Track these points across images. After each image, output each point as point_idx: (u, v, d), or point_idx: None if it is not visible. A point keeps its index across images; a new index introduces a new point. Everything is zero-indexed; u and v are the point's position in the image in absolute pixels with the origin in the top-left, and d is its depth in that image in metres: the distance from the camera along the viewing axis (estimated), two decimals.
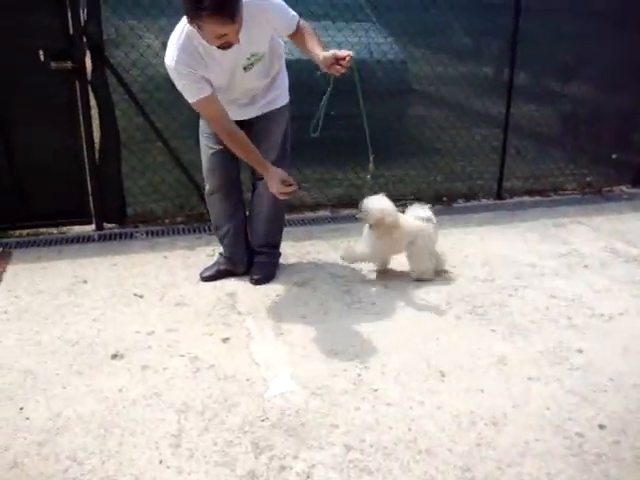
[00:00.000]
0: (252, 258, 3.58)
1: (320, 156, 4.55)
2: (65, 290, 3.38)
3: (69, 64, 3.97)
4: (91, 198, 4.14)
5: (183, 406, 2.45)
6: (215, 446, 2.25)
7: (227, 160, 3.30)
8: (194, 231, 4.17)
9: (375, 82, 4.68)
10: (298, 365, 2.73)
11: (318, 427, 2.35)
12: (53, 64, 3.95)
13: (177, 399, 2.50)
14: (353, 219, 4.32)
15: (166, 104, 4.11)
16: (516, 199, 5.07)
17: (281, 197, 3.08)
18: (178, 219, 4.32)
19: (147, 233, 4.12)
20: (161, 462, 2.18)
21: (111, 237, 4.04)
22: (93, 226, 4.18)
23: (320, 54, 2.94)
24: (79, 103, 4.04)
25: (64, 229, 4.23)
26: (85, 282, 3.47)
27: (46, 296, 3.32)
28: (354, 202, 4.55)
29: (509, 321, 3.13)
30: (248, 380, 2.62)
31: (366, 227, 3.45)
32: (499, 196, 5.03)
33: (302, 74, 4.58)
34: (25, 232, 4.15)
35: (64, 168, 4.10)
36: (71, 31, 3.93)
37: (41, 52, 3.91)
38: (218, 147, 3.28)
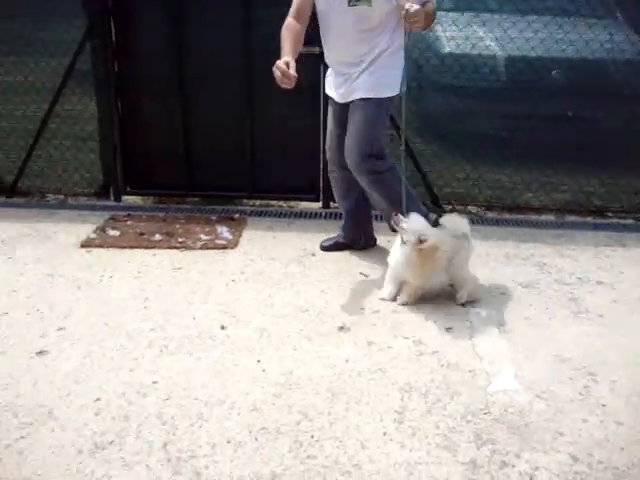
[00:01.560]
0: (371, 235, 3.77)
1: (548, 159, 4.42)
2: (295, 260, 3.61)
3: (317, 49, 4.20)
4: (322, 177, 4.35)
5: (406, 386, 2.51)
6: (437, 429, 2.28)
7: (342, 143, 3.39)
8: None
9: (611, 83, 4.45)
10: (522, 365, 2.67)
11: (542, 431, 2.29)
12: (302, 49, 4.20)
13: (400, 378, 2.56)
14: (579, 226, 4.15)
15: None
16: None
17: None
18: None
19: None
20: (385, 434, 2.25)
21: (336, 216, 4.21)
22: (320, 204, 4.39)
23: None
24: (321, 86, 4.26)
25: (292, 203, 4.49)
26: (313, 255, 3.67)
27: (278, 263, 3.56)
28: (582, 209, 4.38)
29: None
30: (471, 371, 2.61)
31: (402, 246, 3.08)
32: None
33: (523, 72, 4.50)
34: (258, 202, 4.48)
35: (300, 147, 4.36)
36: None
37: None
38: (336, 130, 3.46)
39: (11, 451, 2.17)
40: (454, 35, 4.49)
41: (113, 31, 4.39)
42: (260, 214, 4.31)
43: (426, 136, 4.70)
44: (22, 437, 2.23)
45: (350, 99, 3.37)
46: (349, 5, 3.11)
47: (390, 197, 3.37)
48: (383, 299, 3.18)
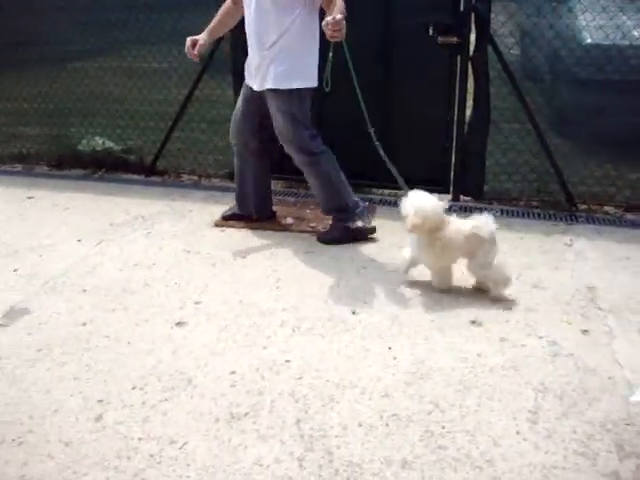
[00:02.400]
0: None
1: None
2: None
3: (454, 39, 4.13)
4: (452, 170, 4.28)
5: (540, 386, 2.43)
6: (574, 434, 2.19)
7: (243, 121, 3.70)
8: (549, 217, 4.07)
9: None
10: None
11: None
12: (440, 38, 4.15)
13: (534, 377, 2.48)
14: None
15: (544, 87, 4.07)
16: None
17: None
18: (533, 203, 4.26)
19: (501, 212, 4.14)
20: (518, 433, 2.19)
21: (465, 209, 4.13)
22: (449, 196, 4.32)
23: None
24: (457, 77, 4.19)
25: None
26: None
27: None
28: None
29: None
30: (610, 378, 2.49)
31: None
32: None
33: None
34: (387, 192, 4.48)
35: (432, 138, 4.30)
36: (461, 7, 4.07)
37: (431, 27, 4.13)
38: (241, 108, 3.70)
39: (156, 411, 2.30)
40: (598, 24, 4.27)
41: None
42: (389, 203, 4.30)
43: (563, 131, 4.51)
44: (165, 400, 2.36)
45: (263, 88, 3.47)
46: None
47: (322, 183, 3.65)
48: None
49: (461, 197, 4.31)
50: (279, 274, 3.30)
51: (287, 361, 2.58)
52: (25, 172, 5.42)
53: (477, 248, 2.98)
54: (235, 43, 4.42)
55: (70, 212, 4.34)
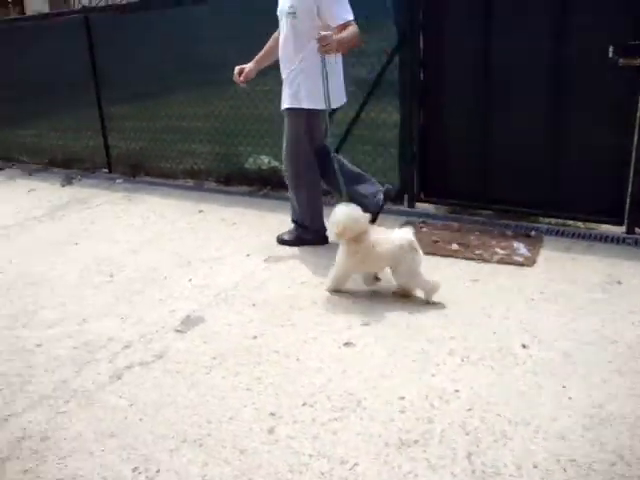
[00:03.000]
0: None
1: None
2: (598, 286, 3.37)
3: (638, 61, 3.90)
4: (628, 200, 4.02)
5: None
6: None
7: None
8: None
9: None
10: None
11: None
12: (621, 60, 3.93)
13: None
14: None
15: None
16: None
17: None
18: None
19: None
20: None
21: (637, 243, 3.88)
22: (623, 228, 4.06)
23: None
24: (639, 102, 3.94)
25: (591, 225, 4.22)
26: (619, 283, 3.39)
27: (579, 287, 3.36)
28: None
29: None
30: None
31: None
32: None
33: None
34: (553, 221, 4.29)
35: (605, 166, 4.07)
36: None
37: (611, 49, 3.93)
38: None
39: (326, 429, 2.34)
40: None
41: (421, 43, 4.54)
42: (557, 233, 4.12)
43: None
44: (335, 419, 2.39)
45: (282, 108, 3.90)
46: (286, 19, 3.69)
47: (297, 201, 4.07)
48: None
49: (636, 229, 4.03)
50: (445, 301, 3.25)
51: (456, 391, 2.52)
52: (196, 187, 5.78)
53: (400, 257, 3.21)
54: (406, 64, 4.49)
55: (237, 227, 4.56)
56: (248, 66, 4.10)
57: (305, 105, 3.74)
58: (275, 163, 5.38)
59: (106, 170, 6.78)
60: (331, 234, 3.38)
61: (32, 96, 7.85)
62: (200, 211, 4.99)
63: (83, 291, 3.72)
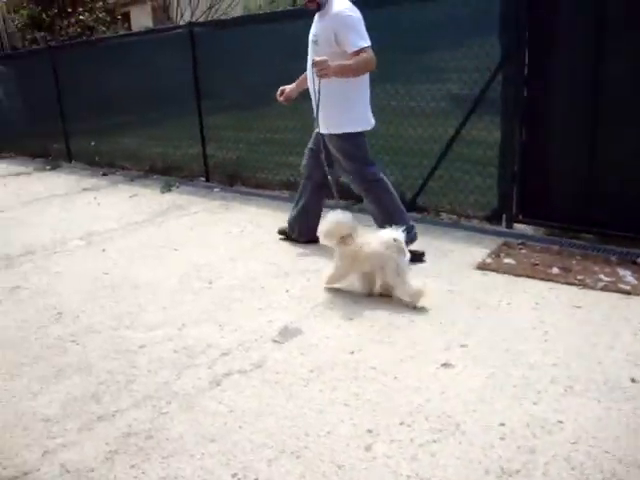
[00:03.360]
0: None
1: None
2: None
3: None
4: None
5: None
6: None
7: (311, 157, 4.46)
8: None
9: None
10: None
11: None
12: None
13: None
14: None
15: None
16: None
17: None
18: None
19: None
20: None
21: None
22: None
23: None
24: None
25: None
26: None
27: None
28: None
29: None
30: None
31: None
32: None
33: None
34: None
35: None
36: None
37: None
38: (310, 144, 4.50)
39: (424, 451, 2.31)
40: None
41: (526, 60, 4.46)
42: None
43: None
44: (433, 441, 2.36)
45: (322, 132, 4.18)
46: (311, 46, 4.11)
47: (379, 206, 4.19)
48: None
49: None
50: (546, 326, 3.16)
51: (560, 422, 2.44)
52: (291, 198, 5.85)
53: (386, 256, 3.42)
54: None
55: None
56: (289, 87, 4.53)
57: (346, 129, 4.09)
58: None
59: (203, 178, 7.00)
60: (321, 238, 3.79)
61: (135, 106, 8.23)
62: None
63: (183, 296, 3.84)
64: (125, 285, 4.13)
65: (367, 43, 3.86)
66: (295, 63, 5.87)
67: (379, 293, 3.63)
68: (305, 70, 4.31)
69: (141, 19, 21.85)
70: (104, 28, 18.55)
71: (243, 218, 5.37)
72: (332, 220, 3.61)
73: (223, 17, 16.33)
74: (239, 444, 2.43)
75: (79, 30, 17.35)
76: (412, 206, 5.07)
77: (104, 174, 8.42)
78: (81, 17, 17.91)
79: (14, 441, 2.59)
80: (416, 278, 3.54)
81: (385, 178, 4.20)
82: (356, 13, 3.95)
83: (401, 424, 2.47)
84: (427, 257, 4.12)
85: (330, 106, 4.00)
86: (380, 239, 3.46)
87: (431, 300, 3.45)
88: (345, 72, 3.85)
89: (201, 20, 15.71)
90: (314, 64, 3.76)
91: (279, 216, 5.30)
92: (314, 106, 4.05)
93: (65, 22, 17.63)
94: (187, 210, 5.89)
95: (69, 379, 3.01)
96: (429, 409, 2.54)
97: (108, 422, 2.64)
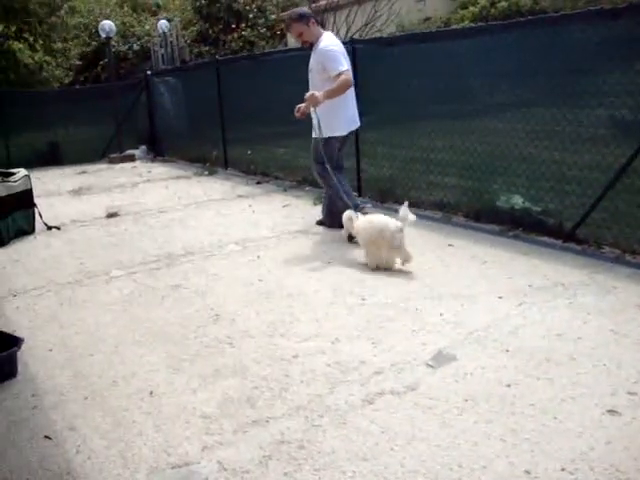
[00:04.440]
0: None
1: None
2: None
3: None
4: None
5: None
6: None
7: None
8: None
9: None
10: None
11: None
12: None
13: None
14: None
15: None
16: None
17: None
18: None
19: None
20: None
21: None
22: None
23: None
24: None
25: None
26: None
27: None
28: None
29: None
30: None
31: None
32: None
33: None
34: None
35: None
36: None
37: None
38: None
39: None
40: None
41: None
42: None
43: None
44: None
45: (315, 136, 5.52)
46: (309, 70, 5.43)
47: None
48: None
49: None
50: None
51: None
52: (444, 220, 5.80)
53: (387, 234, 4.43)
54: None
55: (488, 266, 4.48)
56: (305, 104, 5.22)
57: (326, 134, 5.34)
58: (529, 204, 5.21)
59: (356, 194, 7.07)
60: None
61: (291, 118, 8.50)
62: (449, 245, 4.99)
63: (336, 310, 3.89)
64: (279, 293, 4.25)
65: (344, 67, 5.09)
66: (452, 81, 5.86)
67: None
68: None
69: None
70: (263, 43, 19.43)
71: None
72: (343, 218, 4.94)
73: (377, 34, 16.56)
74: (390, 467, 2.41)
75: (241, 44, 18.26)
76: (571, 237, 4.83)
77: (258, 182, 8.75)
78: (243, 32, 18.85)
79: (176, 432, 2.75)
80: (528, 296, 3.52)
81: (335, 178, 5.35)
82: (337, 46, 5.24)
83: (562, 470, 2.34)
84: (589, 292, 3.90)
85: (321, 117, 5.27)
86: (380, 221, 4.57)
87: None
88: (330, 95, 5.06)
89: (356, 37, 16.02)
90: (307, 98, 5.09)
91: (432, 237, 5.25)
92: (314, 123, 5.37)
93: (229, 37, 18.62)
94: None
95: (225, 380, 3.15)
96: (593, 458, 2.39)
97: (262, 427, 2.73)
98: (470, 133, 5.75)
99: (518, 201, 5.26)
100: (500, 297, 3.88)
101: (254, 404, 2.91)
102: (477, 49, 5.73)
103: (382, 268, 4.55)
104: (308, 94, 5.06)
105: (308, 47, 5.44)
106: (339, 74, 5.01)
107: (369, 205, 5.67)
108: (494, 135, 5.54)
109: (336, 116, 5.32)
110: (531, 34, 5.20)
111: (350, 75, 5.11)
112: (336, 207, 5.41)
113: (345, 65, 5.08)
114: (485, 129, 5.66)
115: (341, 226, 5.06)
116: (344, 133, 5.48)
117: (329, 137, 5.34)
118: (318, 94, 4.99)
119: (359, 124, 5.63)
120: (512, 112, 5.55)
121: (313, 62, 5.35)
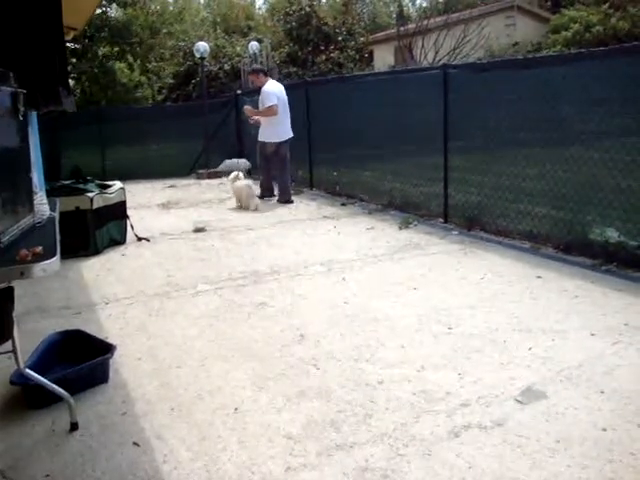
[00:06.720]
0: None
1: None
2: None
3: None
4: None
5: None
6: None
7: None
8: None
9: None
10: None
11: None
12: None
13: None
14: None
15: None
16: None
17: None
18: None
19: None
20: None
21: None
22: None
23: None
24: None
25: None
26: None
27: None
28: None
29: None
30: None
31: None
32: None
33: None
34: None
35: None
36: None
37: None
38: None
39: None
40: None
41: None
42: None
43: None
44: None
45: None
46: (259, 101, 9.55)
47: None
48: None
49: None
50: None
51: None
52: (532, 250, 5.65)
53: (243, 190, 8.86)
54: None
55: (579, 301, 4.32)
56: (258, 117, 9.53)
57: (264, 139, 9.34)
58: (625, 238, 5.01)
59: (441, 219, 7.00)
60: None
61: (377, 141, 8.55)
62: (538, 277, 4.85)
63: (422, 337, 3.84)
64: (364, 316, 4.24)
65: (271, 103, 8.86)
66: (546, 108, 5.73)
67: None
68: None
69: (384, 57, 22.75)
70: (351, 65, 19.64)
71: (482, 265, 5.26)
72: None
73: (464, 59, 16.43)
74: None
75: (330, 66, 18.53)
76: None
77: (343, 204, 8.80)
78: (332, 55, 19.13)
79: (260, 450, 2.76)
80: (624, 335, 3.20)
81: None
82: (271, 89, 9.02)
83: None
84: None
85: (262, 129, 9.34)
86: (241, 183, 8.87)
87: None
88: (257, 114, 9.23)
89: (444, 61, 15.95)
90: (244, 110, 9.66)
91: (519, 268, 5.12)
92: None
93: (318, 59, 18.94)
94: (425, 250, 5.92)
95: (310, 402, 3.15)
96: None
97: (346, 452, 2.71)
98: (563, 162, 5.59)
99: (613, 234, 5.06)
100: (593, 334, 3.73)
101: (338, 428, 2.90)
102: (574, 75, 5.59)
103: (243, 208, 8.83)
104: (245, 108, 9.70)
105: (257, 89, 9.56)
106: (269, 107, 8.94)
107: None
108: (589, 165, 5.36)
109: (269, 129, 9.14)
110: (635, 62, 5.03)
111: (275, 108, 8.88)
112: (266, 183, 9.65)
113: (274, 101, 8.89)
114: (580, 158, 5.48)
115: (266, 195, 9.54)
116: (277, 141, 9.15)
117: (264, 142, 9.26)
118: (247, 108, 9.59)
119: (291, 135, 9.29)
120: (610, 141, 5.37)
121: (259, 97, 9.22)
